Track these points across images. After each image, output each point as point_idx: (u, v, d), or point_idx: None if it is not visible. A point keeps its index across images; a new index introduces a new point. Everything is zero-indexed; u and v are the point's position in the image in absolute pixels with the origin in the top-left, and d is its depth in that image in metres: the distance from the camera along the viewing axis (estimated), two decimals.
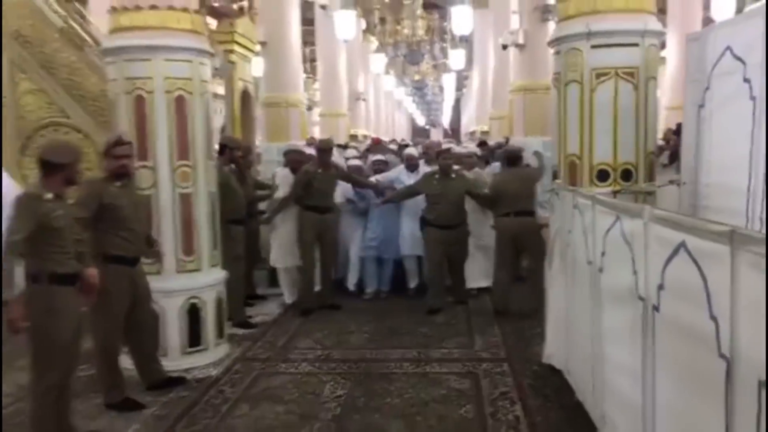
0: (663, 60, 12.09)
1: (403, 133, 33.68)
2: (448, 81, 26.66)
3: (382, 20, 16.67)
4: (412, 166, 6.61)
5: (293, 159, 6.39)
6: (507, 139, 8.18)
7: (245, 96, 7.12)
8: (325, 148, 6.14)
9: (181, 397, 4.06)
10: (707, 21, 10.20)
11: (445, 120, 45.69)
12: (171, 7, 4.45)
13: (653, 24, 4.21)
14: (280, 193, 6.22)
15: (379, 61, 19.71)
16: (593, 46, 4.19)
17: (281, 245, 6.26)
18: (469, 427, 3.56)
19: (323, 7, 12.70)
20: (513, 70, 10.21)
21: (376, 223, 6.52)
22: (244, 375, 4.47)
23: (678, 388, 2.19)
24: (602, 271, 3.09)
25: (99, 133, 6.87)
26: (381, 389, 4.15)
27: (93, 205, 3.70)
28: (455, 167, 6.14)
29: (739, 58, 3.26)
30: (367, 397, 4.03)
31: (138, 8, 4.40)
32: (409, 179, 6.42)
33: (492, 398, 3.95)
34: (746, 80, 3.19)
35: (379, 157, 7.34)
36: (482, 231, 6.33)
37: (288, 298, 6.33)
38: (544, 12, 8.90)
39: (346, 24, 11.51)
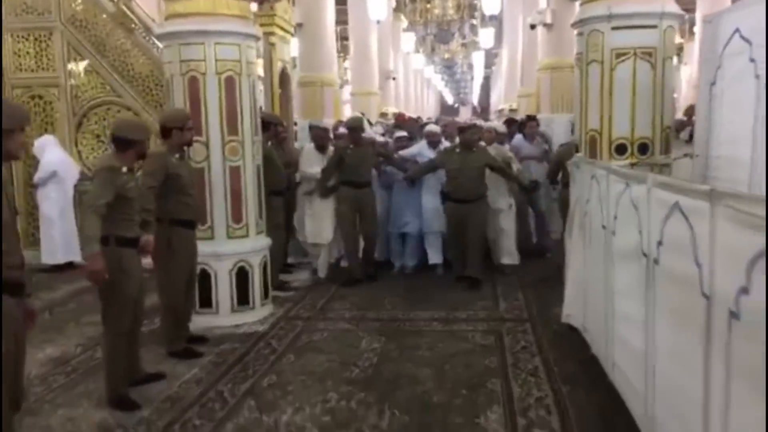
0: (693, 37, 12.12)
1: (431, 112, 33.71)
2: (478, 59, 26.69)
3: None
4: (433, 142, 6.72)
5: (317, 134, 6.68)
6: (528, 116, 8.44)
7: (283, 76, 7.50)
8: (353, 126, 6.40)
9: (233, 348, 4.53)
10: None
11: (474, 98, 45.60)
12: None
13: (671, 6, 4.47)
14: (304, 167, 6.51)
15: (409, 40, 19.88)
16: (614, 28, 4.48)
17: (299, 221, 6.62)
18: (492, 374, 3.96)
19: None
20: (541, 49, 10.40)
21: (399, 200, 6.72)
22: (289, 331, 4.92)
23: (672, 331, 2.54)
24: (615, 234, 3.43)
25: (147, 111, 7.36)
26: (412, 343, 4.56)
27: (161, 176, 4.13)
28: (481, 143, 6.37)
29: (746, 39, 3.53)
30: (400, 350, 4.45)
31: None
32: (431, 155, 6.54)
33: (514, 351, 4.34)
34: (752, 60, 3.46)
35: (402, 133, 7.47)
36: (500, 204, 6.52)
37: (321, 273, 6.53)
38: None
39: (378, 5, 11.80)
